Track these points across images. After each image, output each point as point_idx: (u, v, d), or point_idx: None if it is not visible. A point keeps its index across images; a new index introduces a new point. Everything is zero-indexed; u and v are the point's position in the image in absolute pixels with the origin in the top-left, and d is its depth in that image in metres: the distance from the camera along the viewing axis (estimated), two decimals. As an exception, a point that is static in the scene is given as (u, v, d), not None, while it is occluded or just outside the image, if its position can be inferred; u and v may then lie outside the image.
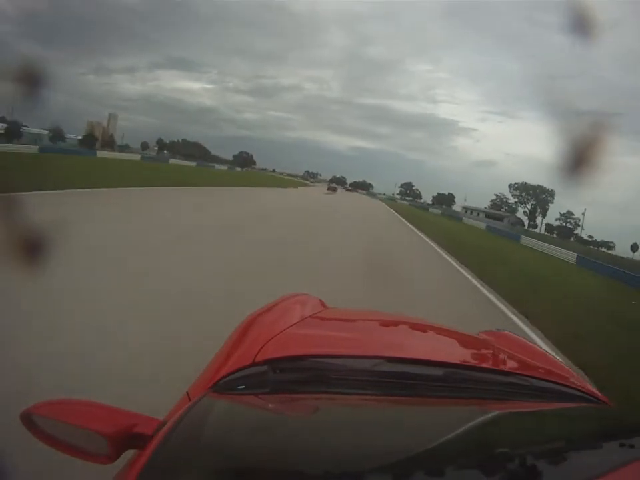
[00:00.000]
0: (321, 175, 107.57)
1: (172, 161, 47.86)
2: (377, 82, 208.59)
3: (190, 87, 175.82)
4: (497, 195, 77.43)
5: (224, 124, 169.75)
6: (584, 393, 1.05)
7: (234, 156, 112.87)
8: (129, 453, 0.74)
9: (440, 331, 1.50)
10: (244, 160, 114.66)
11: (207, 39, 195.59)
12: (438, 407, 0.92)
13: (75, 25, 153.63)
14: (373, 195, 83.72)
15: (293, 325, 1.25)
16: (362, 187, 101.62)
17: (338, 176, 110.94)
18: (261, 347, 1.02)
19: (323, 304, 1.68)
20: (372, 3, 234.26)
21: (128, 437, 0.72)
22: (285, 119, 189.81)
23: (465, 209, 66.00)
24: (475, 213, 61.68)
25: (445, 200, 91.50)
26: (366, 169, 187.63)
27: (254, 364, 0.96)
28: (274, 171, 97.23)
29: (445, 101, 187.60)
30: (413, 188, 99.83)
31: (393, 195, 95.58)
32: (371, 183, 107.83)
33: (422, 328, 1.53)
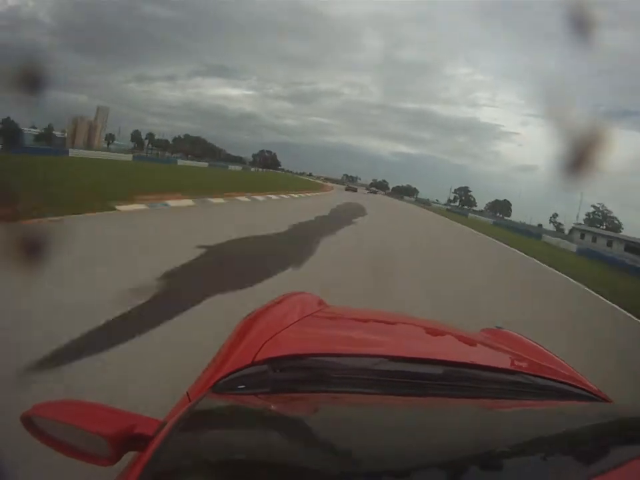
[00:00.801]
0: (360, 179, 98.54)
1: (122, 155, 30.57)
2: (417, 86, 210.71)
3: (230, 93, 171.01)
4: (595, 207, 55.21)
5: (265, 130, 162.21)
6: (585, 390, 1.03)
7: (253, 155, 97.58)
8: (130, 455, 0.72)
9: (441, 329, 1.49)
10: (265, 160, 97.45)
11: (245, 46, 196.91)
12: (439, 406, 0.90)
13: (114, 36, 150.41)
14: (426, 204, 61.82)
15: (293, 323, 1.22)
16: (406, 192, 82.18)
17: (379, 180, 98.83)
18: (261, 347, 1.00)
19: (322, 302, 1.60)
20: (408, 5, 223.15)
21: (128, 438, 0.71)
22: (325, 125, 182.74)
23: (581, 232, 40.33)
24: (601, 240, 36.61)
25: (500, 207, 72.03)
26: (409, 174, 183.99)
27: (254, 363, 0.94)
28: (310, 174, 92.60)
29: (486, 105, 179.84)
30: (469, 194, 78.21)
31: (436, 201, 75.52)
32: (416, 187, 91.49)
33: (423, 326, 1.50)
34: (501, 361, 1.19)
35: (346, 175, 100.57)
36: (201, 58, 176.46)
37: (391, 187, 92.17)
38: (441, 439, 0.69)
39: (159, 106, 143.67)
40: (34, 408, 0.75)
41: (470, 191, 78.63)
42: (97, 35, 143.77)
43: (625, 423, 0.83)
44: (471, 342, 1.37)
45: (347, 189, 45.96)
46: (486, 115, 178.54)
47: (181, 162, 38.76)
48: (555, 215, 60.13)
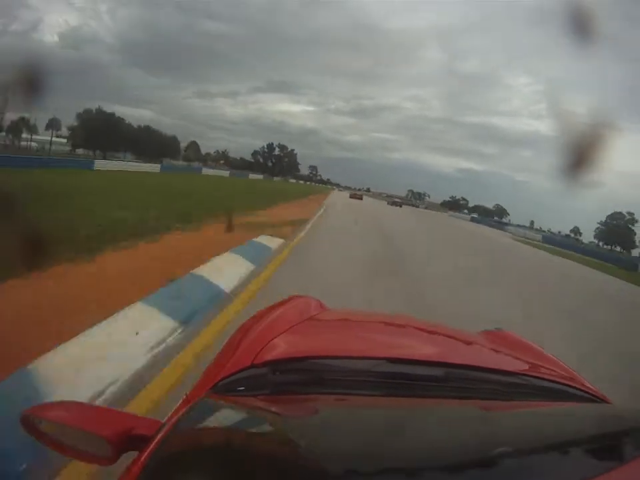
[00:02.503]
0: (429, 197, 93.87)
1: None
2: (478, 98, 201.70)
3: (291, 109, 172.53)
4: None
5: (327, 145, 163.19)
6: (584, 391, 1.04)
7: (254, 152, 77.47)
8: (131, 455, 0.73)
9: (440, 330, 1.48)
10: (278, 161, 78.08)
11: (305, 61, 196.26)
12: (439, 407, 0.91)
13: (176, 54, 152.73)
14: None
15: (293, 326, 1.23)
16: (497, 213, 65.99)
17: (457, 197, 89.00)
18: (261, 349, 1.02)
19: (323, 306, 1.61)
20: (465, 16, 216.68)
21: (128, 439, 0.72)
22: (388, 141, 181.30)
23: None
24: None
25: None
26: (475, 190, 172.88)
27: (253, 365, 0.95)
28: (368, 190, 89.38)
29: (547, 116, 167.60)
30: (627, 219, 56.16)
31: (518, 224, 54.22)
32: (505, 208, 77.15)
33: (422, 328, 1.50)
34: (501, 362, 1.20)
35: (411, 191, 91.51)
36: (261, 74, 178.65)
37: (470, 205, 77.49)
38: (442, 441, 0.69)
39: (221, 121, 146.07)
40: (33, 409, 0.76)
41: (634, 216, 55.81)
42: (159, 52, 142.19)
43: (625, 423, 0.82)
44: (470, 343, 1.37)
45: (351, 196, 41.79)
46: (548, 126, 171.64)
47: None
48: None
